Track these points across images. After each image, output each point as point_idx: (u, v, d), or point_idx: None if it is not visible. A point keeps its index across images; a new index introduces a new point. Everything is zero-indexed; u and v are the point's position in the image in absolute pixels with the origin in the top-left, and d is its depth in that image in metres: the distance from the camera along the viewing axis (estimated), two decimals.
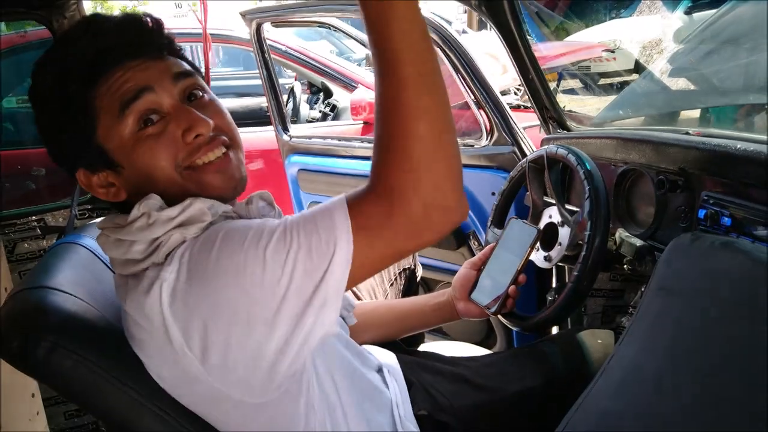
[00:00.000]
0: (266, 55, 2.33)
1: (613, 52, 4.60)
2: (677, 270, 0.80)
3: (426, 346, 1.52)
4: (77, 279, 0.97)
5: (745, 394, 0.67)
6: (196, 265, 0.72)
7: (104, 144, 0.78)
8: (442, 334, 2.11)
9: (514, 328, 1.34)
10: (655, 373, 0.78)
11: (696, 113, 1.93)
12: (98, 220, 1.31)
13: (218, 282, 0.71)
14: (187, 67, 0.81)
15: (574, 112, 2.99)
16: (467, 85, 1.85)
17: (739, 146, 1.10)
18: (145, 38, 0.78)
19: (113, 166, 0.79)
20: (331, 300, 0.71)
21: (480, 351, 1.58)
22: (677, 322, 0.78)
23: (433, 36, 1.82)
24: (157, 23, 0.80)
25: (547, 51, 4.02)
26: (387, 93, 0.66)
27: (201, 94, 0.81)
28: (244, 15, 2.25)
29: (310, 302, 0.71)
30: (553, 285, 1.50)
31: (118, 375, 0.83)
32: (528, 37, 1.57)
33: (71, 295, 0.90)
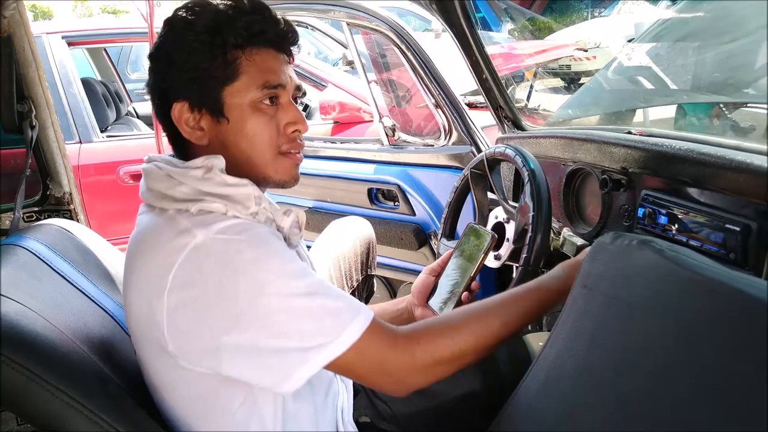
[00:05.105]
0: None
1: (586, 51, 4.63)
2: (598, 268, 0.81)
3: None
4: (13, 281, 0.96)
5: (651, 388, 0.68)
6: (230, 254, 0.80)
7: (227, 96, 0.89)
8: None
9: None
10: (575, 370, 0.78)
11: (653, 113, 1.95)
12: (46, 221, 1.30)
13: (238, 274, 0.79)
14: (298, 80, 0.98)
15: (547, 111, 3.00)
16: (425, 86, 1.86)
17: (675, 145, 1.11)
18: (292, 42, 0.94)
19: (219, 115, 0.89)
20: (296, 375, 0.80)
21: None
22: (596, 320, 0.78)
23: (392, 36, 1.82)
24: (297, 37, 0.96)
25: (519, 50, 4.04)
26: (496, 331, 0.90)
27: (298, 102, 0.97)
28: None
29: (282, 355, 0.79)
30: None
31: (48, 377, 0.82)
32: (479, 36, 1.57)
33: (2, 296, 0.89)
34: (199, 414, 0.87)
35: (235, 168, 0.90)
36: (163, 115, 0.93)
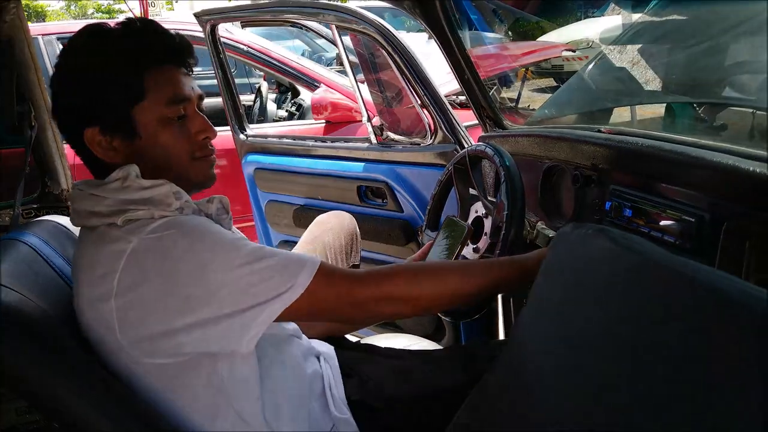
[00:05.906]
0: (221, 56, 2.38)
1: (574, 51, 4.70)
2: (558, 256, 0.87)
3: (378, 339, 1.58)
4: (14, 272, 1.02)
5: (604, 362, 0.74)
6: (166, 247, 0.85)
7: (137, 114, 0.93)
8: (394, 327, 2.18)
9: (445, 319, 1.41)
10: (536, 354, 0.85)
11: (640, 111, 2.02)
12: (45, 217, 1.36)
13: (178, 262, 0.84)
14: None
15: (534, 110, 3.07)
16: (412, 87, 1.92)
17: (638, 142, 1.17)
18: (188, 55, 0.99)
19: (131, 133, 0.93)
20: (253, 325, 0.86)
21: (428, 344, 1.65)
22: (556, 305, 0.85)
23: (377, 37, 1.89)
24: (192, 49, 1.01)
25: (510, 51, 4.10)
26: (453, 286, 1.00)
27: (203, 110, 1.02)
28: (198, 16, 2.29)
29: (238, 315, 0.85)
30: None
31: (50, 362, 0.87)
32: (461, 39, 1.63)
33: (5, 286, 0.95)
34: (166, 404, 0.90)
35: (155, 175, 0.94)
36: (74, 141, 0.96)
